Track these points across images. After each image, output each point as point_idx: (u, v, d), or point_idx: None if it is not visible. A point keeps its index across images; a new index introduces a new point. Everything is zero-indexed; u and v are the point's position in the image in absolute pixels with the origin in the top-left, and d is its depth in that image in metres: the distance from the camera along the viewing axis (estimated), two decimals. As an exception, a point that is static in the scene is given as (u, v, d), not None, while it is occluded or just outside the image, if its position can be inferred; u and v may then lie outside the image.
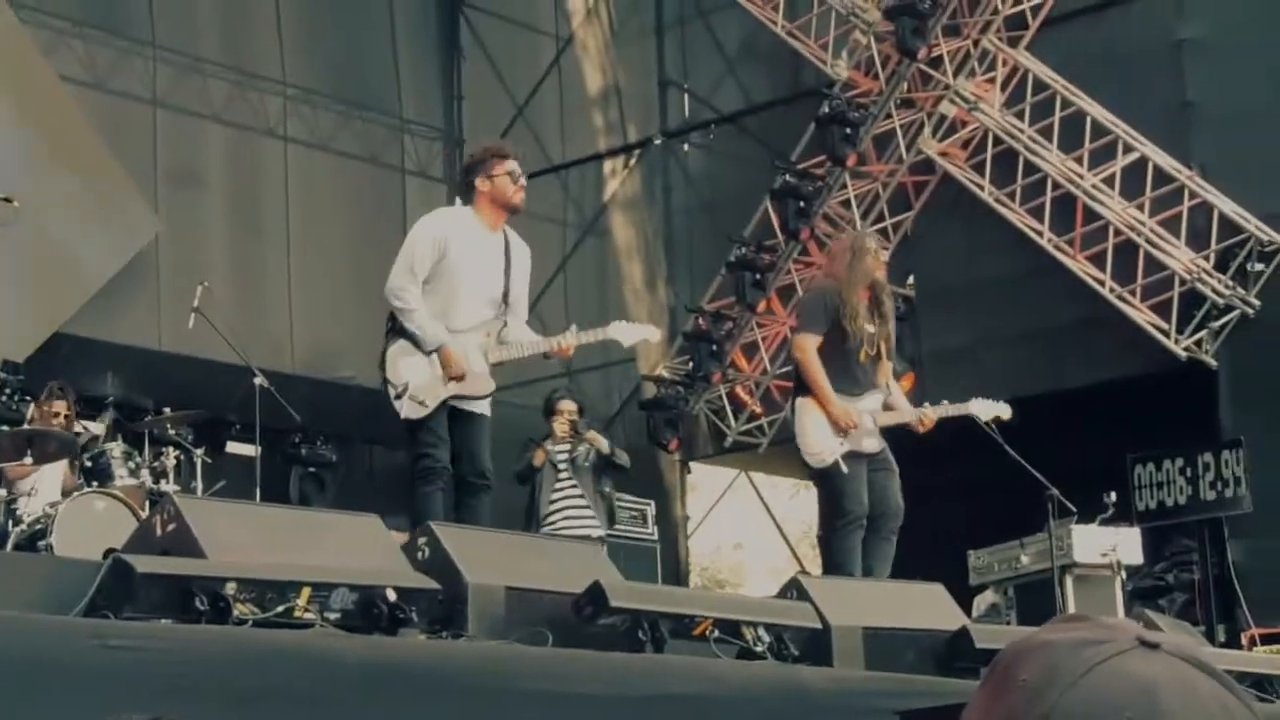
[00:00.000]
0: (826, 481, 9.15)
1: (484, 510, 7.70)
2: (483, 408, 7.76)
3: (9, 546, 8.69)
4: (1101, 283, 13.39)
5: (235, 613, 5.73)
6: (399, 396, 7.55)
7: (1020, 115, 14.07)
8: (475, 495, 7.70)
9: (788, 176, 14.82)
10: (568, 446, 10.91)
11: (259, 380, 10.70)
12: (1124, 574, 10.95)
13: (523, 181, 7.69)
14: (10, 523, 8.92)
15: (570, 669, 6.43)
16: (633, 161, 17.28)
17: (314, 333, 15.73)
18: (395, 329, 7.70)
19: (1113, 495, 11.04)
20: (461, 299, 7.63)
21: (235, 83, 15.68)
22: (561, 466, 10.82)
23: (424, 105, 17.55)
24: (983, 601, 11.59)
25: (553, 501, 10.68)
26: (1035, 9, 14.12)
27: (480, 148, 8.07)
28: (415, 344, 7.60)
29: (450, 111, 17.77)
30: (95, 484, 9.18)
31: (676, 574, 15.29)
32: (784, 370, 15.28)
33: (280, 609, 5.91)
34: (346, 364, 15.77)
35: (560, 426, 10.94)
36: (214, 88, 15.53)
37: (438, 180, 17.56)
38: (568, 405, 11.05)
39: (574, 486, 10.70)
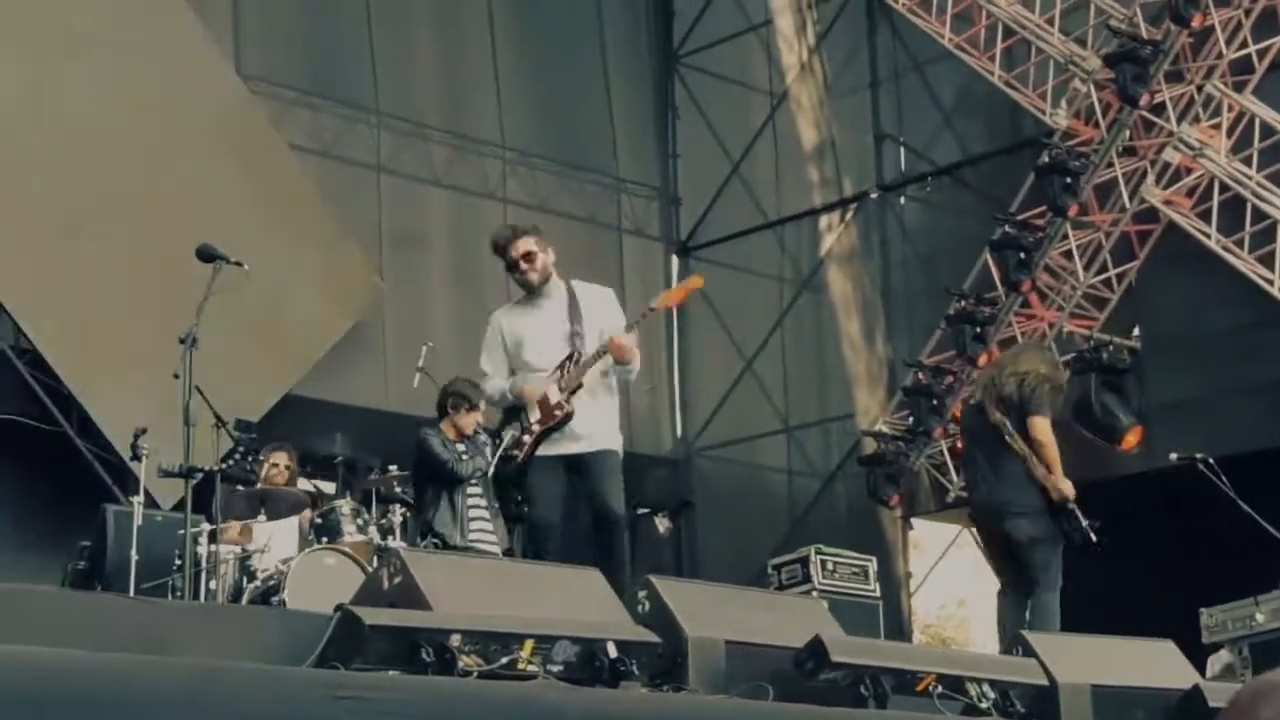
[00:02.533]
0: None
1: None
2: (584, 446, 7.92)
3: (244, 601, 8.91)
4: (1335, 331, 13.01)
5: (460, 664, 5.80)
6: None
7: (1247, 161, 13.74)
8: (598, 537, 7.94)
9: (1008, 228, 14.65)
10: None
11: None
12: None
13: (530, 264, 8.06)
14: (245, 579, 9.15)
15: (773, 724, 6.39)
16: (849, 216, 17.23)
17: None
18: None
19: (1351, 550, 10.67)
20: (537, 365, 8.00)
21: (456, 146, 16.00)
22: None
23: (640, 164, 17.71)
24: (1217, 661, 11.26)
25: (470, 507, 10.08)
26: (1261, 52, 13.81)
27: (490, 239, 8.39)
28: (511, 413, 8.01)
29: (666, 170, 17.92)
30: (325, 540, 9.38)
31: (900, 631, 15.11)
32: (1006, 424, 15.05)
33: (504, 660, 5.98)
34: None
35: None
36: (435, 152, 15.86)
37: (654, 239, 17.69)
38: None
39: (480, 497, 10.04)
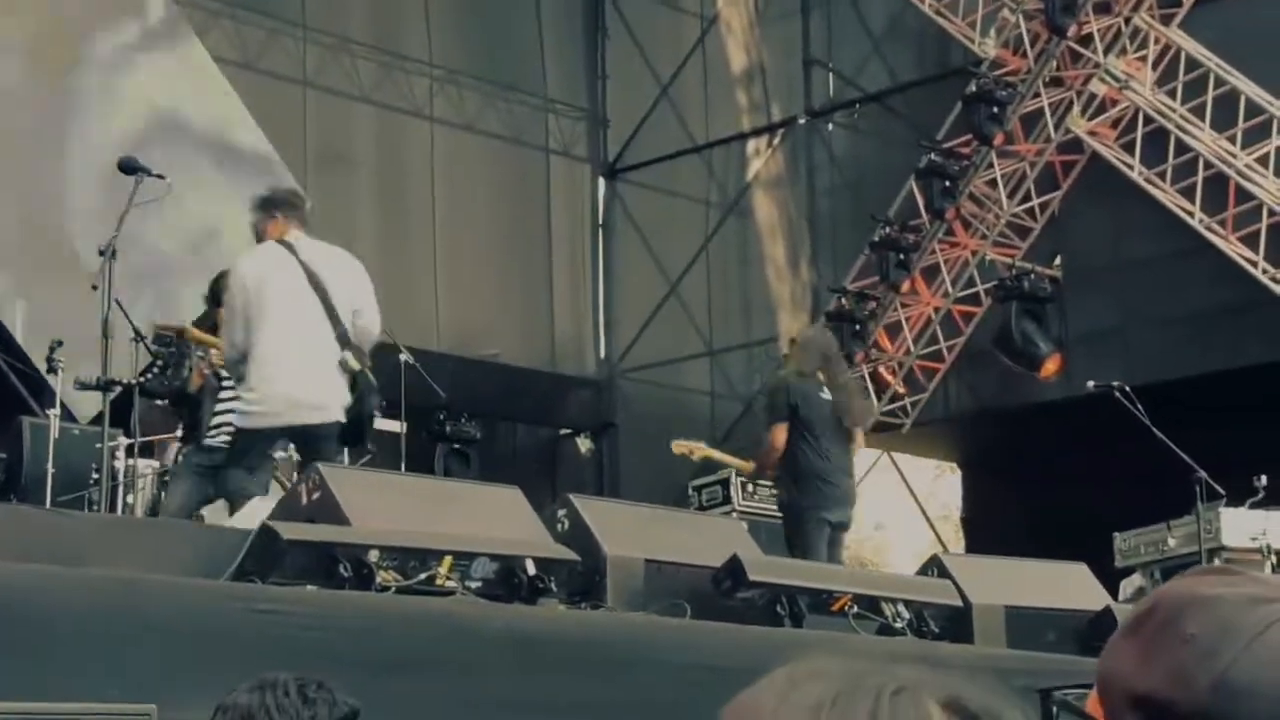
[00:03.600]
0: None
1: None
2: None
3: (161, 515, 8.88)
4: (1254, 264, 13.15)
5: (378, 579, 5.82)
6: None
7: (1172, 94, 13.83)
8: None
9: (933, 156, 14.70)
10: None
11: (404, 357, 10.82)
12: (1275, 558, 10.74)
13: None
14: (164, 493, 9.11)
15: (708, 641, 6.46)
16: (776, 141, 17.23)
17: (459, 310, 15.89)
18: None
19: (1263, 479, 10.83)
20: None
21: (383, 64, 15.86)
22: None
23: (568, 85, 17.63)
24: (1129, 585, 11.43)
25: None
26: (1188, -15, 13.88)
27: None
28: None
29: (595, 91, 17.84)
30: (245, 456, 9.33)
31: (818, 554, 15.23)
32: (927, 351, 15.18)
33: (422, 576, 6.00)
34: (490, 342, 15.92)
35: None
36: (362, 68, 15.72)
37: (581, 160, 17.64)
38: None
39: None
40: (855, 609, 7.29)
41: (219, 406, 8.93)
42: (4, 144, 12.34)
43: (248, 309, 7.52)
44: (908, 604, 7.46)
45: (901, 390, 15.33)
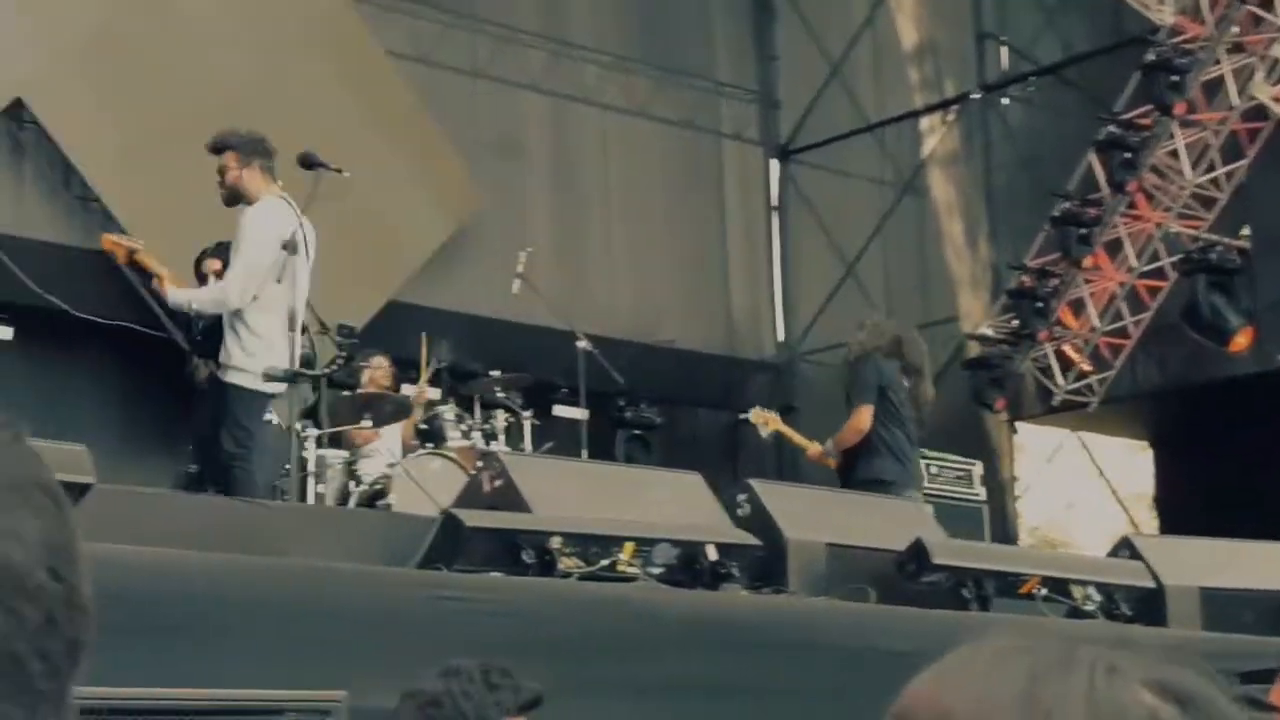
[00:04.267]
0: None
1: None
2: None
3: (351, 504, 9.02)
4: None
5: (560, 566, 5.85)
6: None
7: (1361, 56, 13.43)
8: None
9: (1113, 128, 14.41)
10: None
11: (582, 344, 10.87)
12: None
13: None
14: (353, 483, 9.26)
15: (892, 626, 6.40)
16: (950, 117, 17.02)
17: (635, 297, 15.92)
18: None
19: None
20: None
21: (553, 52, 15.94)
22: None
23: (738, 68, 17.57)
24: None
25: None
26: (1377, -57, 13.45)
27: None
28: None
29: (765, 73, 17.76)
30: (430, 445, 9.47)
31: (1005, 536, 15.04)
32: (1112, 327, 14.90)
33: (604, 563, 6.03)
34: (668, 327, 15.93)
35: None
36: (532, 57, 15.81)
37: (754, 142, 17.57)
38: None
39: None
40: (1044, 592, 7.17)
41: None
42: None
43: (278, 269, 7.61)
44: (1098, 586, 7.33)
45: (1088, 368, 15.07)
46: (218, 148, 8.13)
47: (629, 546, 6.17)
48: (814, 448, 9.66)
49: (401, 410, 9.66)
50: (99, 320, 11.35)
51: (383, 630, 5.07)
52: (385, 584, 5.47)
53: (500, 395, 10.18)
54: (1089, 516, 17.56)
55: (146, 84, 12.50)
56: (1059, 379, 15.10)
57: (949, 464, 12.56)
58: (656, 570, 6.24)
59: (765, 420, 10.19)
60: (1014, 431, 16.21)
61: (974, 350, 15.39)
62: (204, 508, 6.54)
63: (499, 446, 9.49)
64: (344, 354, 8.83)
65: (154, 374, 8.89)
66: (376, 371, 10.22)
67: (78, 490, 5.16)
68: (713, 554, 6.36)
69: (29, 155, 12.51)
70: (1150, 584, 7.52)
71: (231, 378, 7.68)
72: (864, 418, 9.03)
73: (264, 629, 4.92)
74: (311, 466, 8.33)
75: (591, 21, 16.26)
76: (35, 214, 12.58)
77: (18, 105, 12.20)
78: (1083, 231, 14.59)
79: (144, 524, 5.72)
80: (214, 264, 8.06)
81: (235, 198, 8.03)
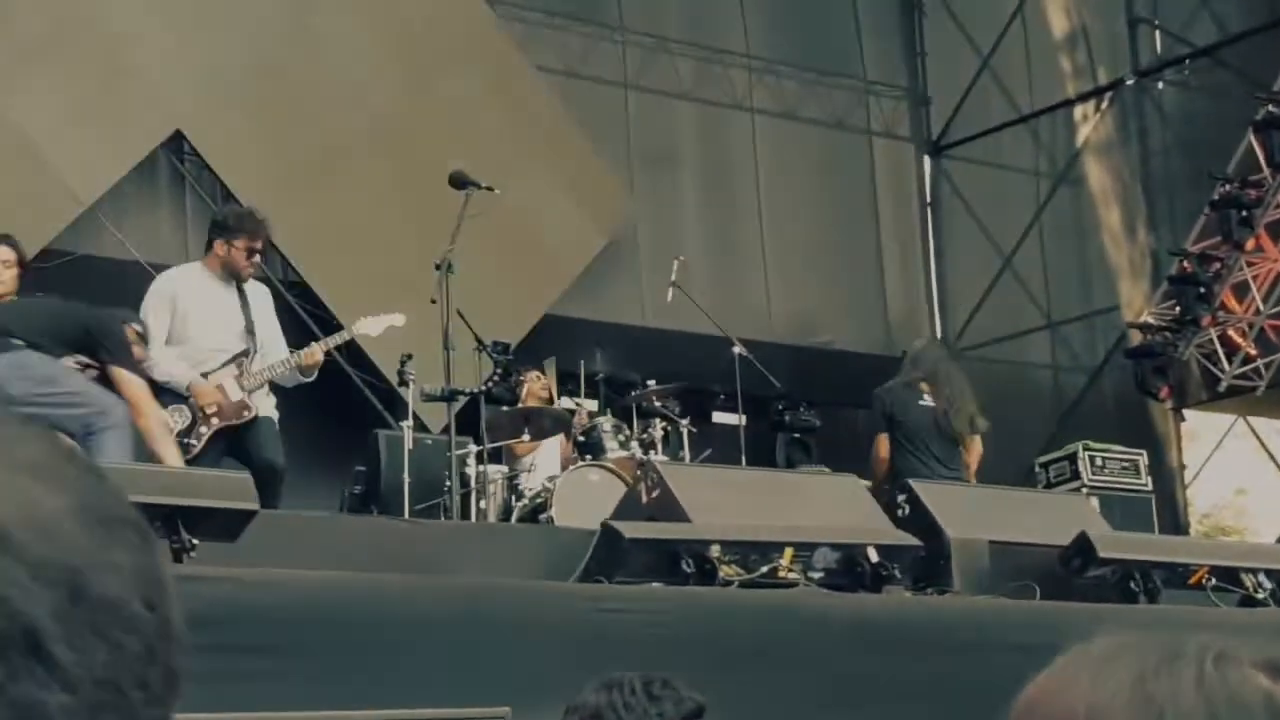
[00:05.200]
0: None
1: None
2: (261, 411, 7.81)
3: (513, 519, 9.12)
4: None
5: (721, 574, 5.88)
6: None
7: None
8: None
9: (1271, 107, 14.12)
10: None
11: (738, 349, 10.89)
12: None
13: (257, 259, 7.99)
14: (514, 497, 9.36)
15: (1060, 622, 6.34)
16: (1104, 105, 16.78)
17: (790, 300, 15.90)
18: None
19: None
20: (205, 346, 7.80)
21: (701, 59, 15.98)
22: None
23: (887, 65, 17.48)
24: None
25: None
26: None
27: (234, 215, 8.13)
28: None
29: (914, 69, 17.64)
30: (589, 457, 9.54)
31: (1176, 524, 14.81)
32: (1278, 309, 14.60)
33: (764, 569, 6.04)
34: (824, 329, 15.90)
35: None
36: (681, 65, 15.86)
37: (905, 139, 17.47)
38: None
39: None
40: (1213, 581, 7.07)
41: None
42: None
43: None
44: (1269, 573, 7.20)
45: (1253, 352, 14.78)
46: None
47: (789, 552, 6.18)
48: None
49: (560, 423, 9.75)
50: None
51: (545, 645, 5.14)
52: (547, 598, 5.53)
53: (657, 404, 10.24)
54: (1261, 502, 17.23)
55: (298, 110, 12.74)
56: (1225, 364, 14.83)
57: (1114, 455, 12.42)
58: (817, 574, 6.24)
59: (537, 380, 10.28)
60: (1181, 419, 15.95)
61: (1137, 339, 15.17)
62: (368, 529, 6.66)
63: (657, 456, 9.54)
64: (500, 369, 8.94)
65: (315, 400, 9.06)
66: (534, 384, 10.33)
67: (243, 516, 5.30)
68: (874, 556, 6.35)
69: (189, 186, 12.81)
70: (1324, 571, 7.37)
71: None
72: (878, 447, 9.25)
73: (428, 648, 5.01)
74: (473, 483, 8.43)
75: (738, 27, 16.28)
76: (198, 244, 12.84)
77: (178, 137, 12.49)
78: (1243, 213, 14.32)
79: (310, 548, 5.84)
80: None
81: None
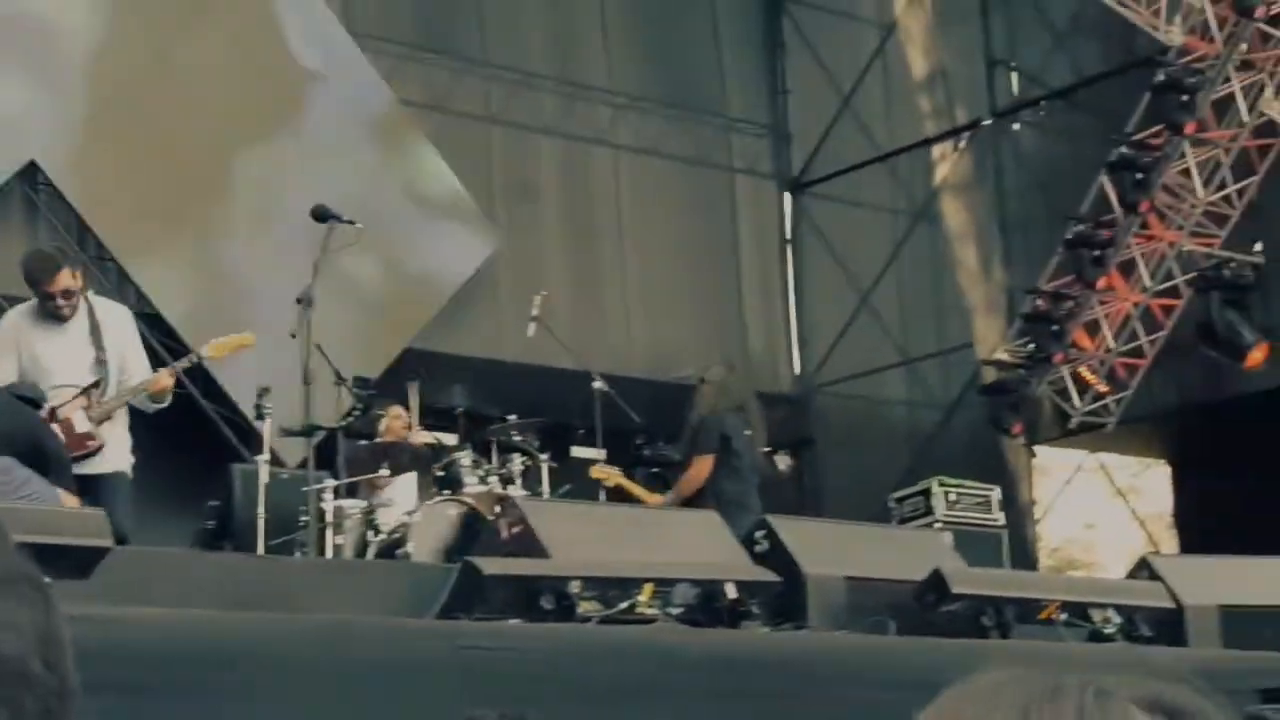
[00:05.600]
0: None
1: None
2: (97, 467, 7.64)
3: (370, 555, 9.05)
4: None
5: (580, 610, 5.88)
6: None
7: (1368, 68, 13.45)
8: None
9: (1124, 149, 14.43)
10: None
11: (598, 384, 10.91)
12: None
13: (73, 299, 7.73)
14: (371, 532, 9.29)
15: (914, 658, 6.42)
16: (962, 144, 17.07)
17: (651, 334, 15.97)
18: None
19: None
20: (53, 384, 7.64)
21: (565, 94, 16.03)
22: None
23: (749, 103, 17.64)
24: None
25: None
26: (1379, -44, 13.48)
27: (25, 264, 7.96)
28: None
29: (776, 107, 17.83)
30: (447, 492, 9.49)
31: (1027, 559, 15.03)
32: (1128, 347, 14.91)
33: (624, 605, 6.05)
34: (685, 363, 15.95)
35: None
36: (545, 100, 15.90)
37: (766, 176, 17.63)
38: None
39: None
40: (1064, 616, 7.18)
41: None
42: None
43: None
44: (1118, 608, 7.33)
45: (1104, 389, 15.07)
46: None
47: (648, 588, 6.20)
48: (654, 499, 9.88)
49: (418, 459, 9.70)
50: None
51: (404, 682, 5.11)
52: (405, 636, 5.50)
53: (517, 439, 10.22)
54: (1109, 537, 17.55)
55: (156, 143, 12.61)
56: (1076, 401, 15.11)
57: (967, 490, 12.58)
58: (676, 610, 6.26)
59: (606, 475, 10.37)
60: (1032, 455, 16.22)
61: (990, 376, 15.42)
62: (222, 565, 6.58)
63: (516, 491, 9.52)
64: (360, 405, 8.89)
65: (168, 434, 8.93)
66: (394, 421, 10.27)
67: (96, 554, 5.22)
68: (732, 592, 6.39)
69: (43, 217, 12.61)
70: (1170, 604, 7.52)
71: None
72: (700, 468, 9.33)
73: (286, 686, 4.96)
74: (329, 518, 8.37)
75: (603, 62, 16.35)
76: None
77: (32, 168, 12.31)
78: (1096, 253, 14.61)
79: (163, 584, 5.77)
80: None
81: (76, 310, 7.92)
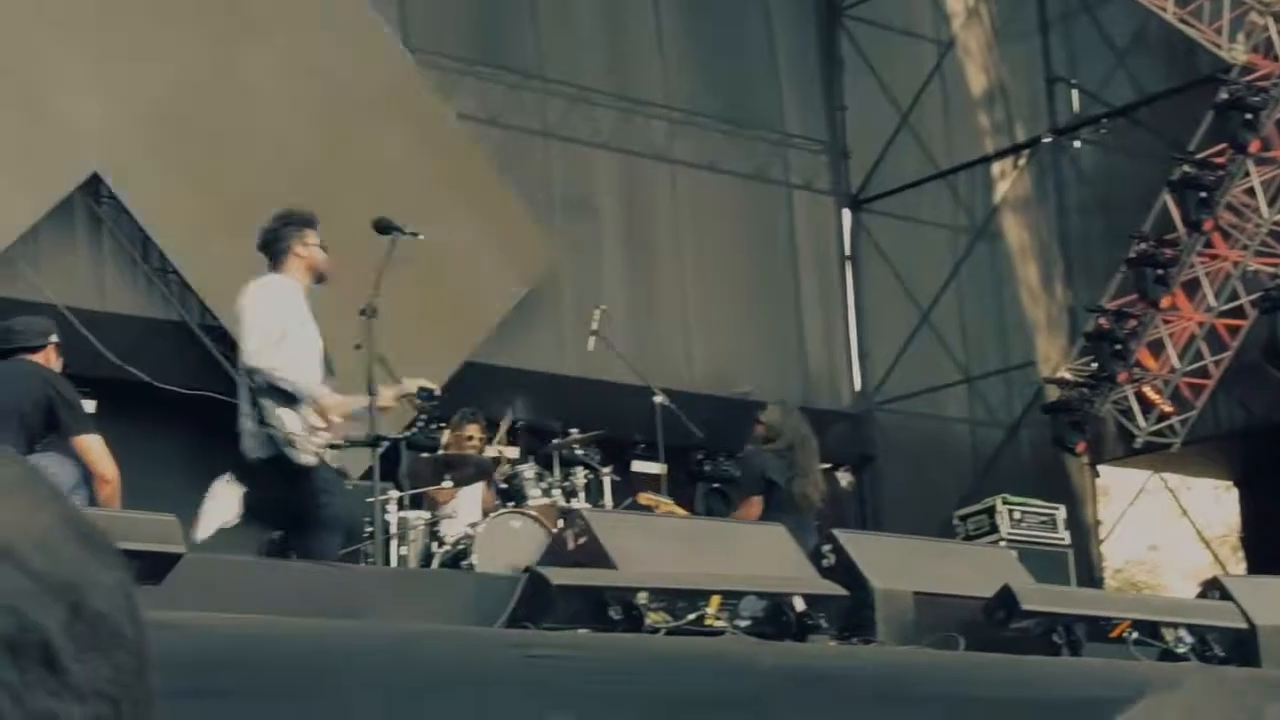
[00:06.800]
0: None
1: None
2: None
3: (434, 565, 9.04)
4: None
5: (648, 621, 5.84)
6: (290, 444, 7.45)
7: None
8: None
9: (1187, 167, 14.34)
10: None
11: (659, 399, 10.88)
12: None
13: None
14: (435, 543, 9.28)
15: (983, 674, 6.36)
16: (1022, 162, 16.98)
17: (710, 350, 15.92)
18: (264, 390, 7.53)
19: None
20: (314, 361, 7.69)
21: (622, 109, 16.02)
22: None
23: (807, 119, 17.59)
24: None
25: None
26: None
27: (285, 212, 8.02)
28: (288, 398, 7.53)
29: (834, 123, 17.77)
30: (511, 504, 9.48)
31: (1090, 579, 14.91)
32: (1193, 367, 14.77)
33: (691, 617, 6.01)
34: (744, 379, 15.92)
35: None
36: (602, 115, 15.90)
37: (824, 193, 17.57)
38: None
39: None
40: (1135, 635, 7.10)
41: None
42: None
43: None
44: (1190, 628, 7.25)
45: (1169, 409, 14.94)
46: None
47: (715, 600, 6.16)
48: None
49: (482, 471, 9.69)
50: (180, 390, 11.49)
51: (473, 691, 5.08)
52: (473, 644, 5.47)
53: (579, 452, 10.19)
54: (1173, 557, 17.40)
55: (218, 154, 12.65)
56: (1140, 421, 14.99)
57: (1032, 509, 12.48)
58: (744, 623, 6.22)
59: (655, 503, 10.34)
60: (1096, 474, 16.09)
61: (1053, 394, 15.31)
62: (290, 574, 6.58)
63: (579, 504, 9.49)
64: (423, 416, 8.87)
65: (236, 441, 8.94)
66: (458, 432, 10.26)
67: (169, 560, 5.21)
68: (800, 605, 6.34)
69: (107, 229, 12.68)
70: (1242, 624, 7.43)
71: None
72: (750, 509, 9.51)
73: (354, 694, 4.94)
74: (394, 529, 8.35)
75: (660, 78, 16.34)
76: (114, 287, 12.74)
77: (95, 180, 12.37)
78: (1159, 272, 14.50)
79: (233, 592, 5.76)
80: None
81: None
